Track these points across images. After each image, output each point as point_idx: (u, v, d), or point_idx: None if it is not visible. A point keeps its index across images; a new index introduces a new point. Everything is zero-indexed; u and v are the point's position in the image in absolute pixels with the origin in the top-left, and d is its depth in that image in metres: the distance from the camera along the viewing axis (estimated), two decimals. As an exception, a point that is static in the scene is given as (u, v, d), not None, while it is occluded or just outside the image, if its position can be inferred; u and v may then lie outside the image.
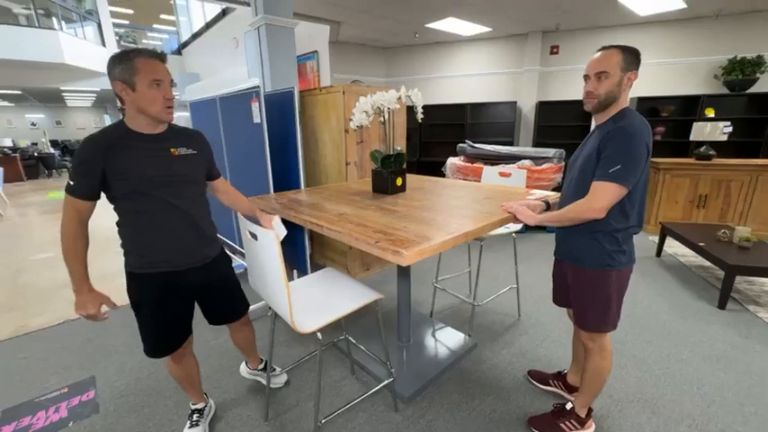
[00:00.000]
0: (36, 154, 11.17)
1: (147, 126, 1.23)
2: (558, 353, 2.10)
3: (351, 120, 1.94)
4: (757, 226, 3.80)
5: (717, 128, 3.83)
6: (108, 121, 16.38)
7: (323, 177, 3.11)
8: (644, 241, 3.93)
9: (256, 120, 2.15)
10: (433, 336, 2.27)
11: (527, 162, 4.11)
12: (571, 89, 6.24)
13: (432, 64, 7.20)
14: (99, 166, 1.14)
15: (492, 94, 6.84)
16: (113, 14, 10.02)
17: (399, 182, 2.00)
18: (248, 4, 3.07)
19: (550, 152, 4.17)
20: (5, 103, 14.33)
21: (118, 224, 1.27)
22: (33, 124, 15.67)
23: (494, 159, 4.51)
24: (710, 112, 5.16)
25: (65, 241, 1.19)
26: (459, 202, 1.78)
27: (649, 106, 5.56)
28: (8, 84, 8.96)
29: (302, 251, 2.37)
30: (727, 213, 4.00)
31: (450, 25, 5.62)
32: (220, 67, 7.36)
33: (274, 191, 2.21)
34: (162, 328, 1.37)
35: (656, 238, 3.59)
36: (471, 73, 6.96)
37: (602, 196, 1.20)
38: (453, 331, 2.29)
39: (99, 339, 2.32)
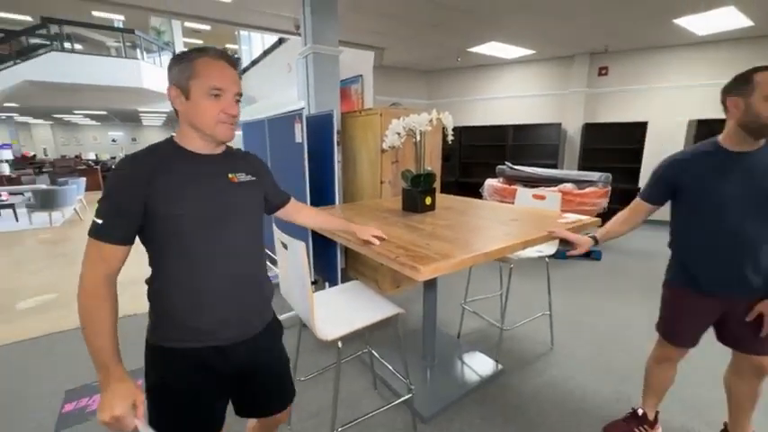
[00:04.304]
0: (113, 167, 12.61)
1: (202, 145, 0.93)
2: (591, 388, 1.98)
3: (383, 140, 2.04)
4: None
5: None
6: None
7: (359, 194, 3.24)
8: None
9: (298, 139, 2.33)
10: (459, 357, 2.24)
11: (569, 185, 3.97)
12: (620, 111, 5.96)
13: (474, 86, 7.25)
14: (139, 195, 0.83)
15: (536, 116, 6.72)
16: (186, 45, 11.30)
17: (428, 201, 2.05)
18: (299, 35, 3.35)
19: (595, 176, 4.00)
20: (93, 122, 16.53)
21: (148, 281, 0.93)
22: (114, 140, 17.87)
23: (534, 182, 4.41)
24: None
25: (85, 302, 0.83)
26: (485, 223, 1.79)
27: (710, 130, 5.17)
28: (97, 105, 10.40)
29: (334, 263, 2.47)
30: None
31: (493, 49, 5.67)
32: (274, 90, 7.97)
33: (311, 206, 2.34)
34: (188, 422, 0.96)
35: None
36: (514, 95, 6.91)
37: None
38: (480, 354, 2.24)
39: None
